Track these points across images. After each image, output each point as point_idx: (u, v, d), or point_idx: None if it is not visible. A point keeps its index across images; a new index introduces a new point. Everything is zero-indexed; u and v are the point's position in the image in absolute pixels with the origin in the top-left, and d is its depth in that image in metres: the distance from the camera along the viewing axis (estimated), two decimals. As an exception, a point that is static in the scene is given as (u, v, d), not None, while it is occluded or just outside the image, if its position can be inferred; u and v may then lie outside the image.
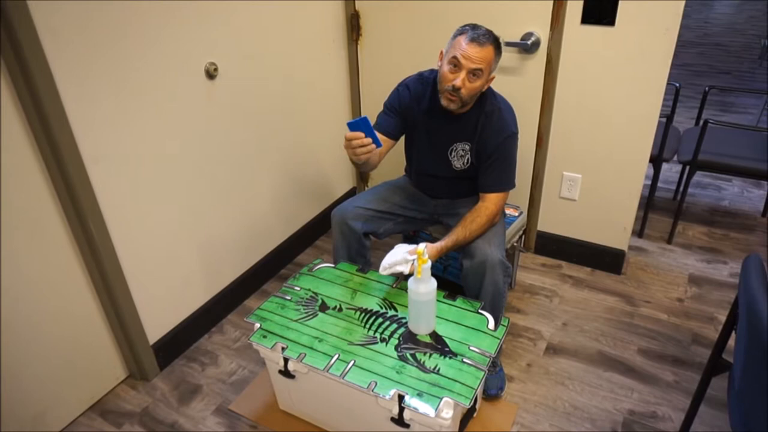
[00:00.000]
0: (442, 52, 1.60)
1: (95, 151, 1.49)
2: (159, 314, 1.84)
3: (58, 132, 1.38)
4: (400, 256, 1.52)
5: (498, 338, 1.44)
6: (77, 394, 1.71)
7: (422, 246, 1.44)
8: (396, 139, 1.80)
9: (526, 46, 2.00)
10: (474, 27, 1.55)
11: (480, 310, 1.54)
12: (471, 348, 1.41)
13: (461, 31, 1.56)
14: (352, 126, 1.47)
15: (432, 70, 1.73)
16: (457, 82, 1.53)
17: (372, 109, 2.56)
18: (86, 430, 1.67)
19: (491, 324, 1.49)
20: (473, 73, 1.53)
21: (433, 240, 1.69)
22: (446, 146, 1.74)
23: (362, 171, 2.66)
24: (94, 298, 1.67)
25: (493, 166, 1.68)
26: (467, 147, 1.71)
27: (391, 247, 1.58)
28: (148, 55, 1.57)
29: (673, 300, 2.15)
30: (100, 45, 1.44)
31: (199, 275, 1.98)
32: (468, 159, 1.73)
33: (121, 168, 1.59)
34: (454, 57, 1.53)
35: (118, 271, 1.64)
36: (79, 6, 1.36)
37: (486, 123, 1.66)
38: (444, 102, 1.60)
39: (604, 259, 2.30)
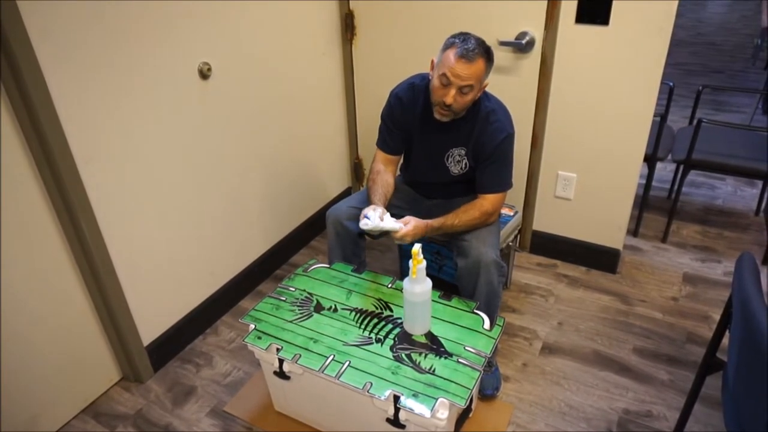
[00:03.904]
0: (432, 62, 1.59)
1: (87, 151, 1.48)
2: (153, 315, 1.83)
3: (49, 132, 1.37)
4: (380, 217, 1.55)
5: (493, 338, 1.44)
6: (70, 397, 1.70)
7: (418, 246, 1.44)
8: (402, 153, 1.84)
9: (521, 46, 2.00)
10: (464, 40, 1.50)
11: (475, 310, 1.53)
12: (466, 348, 1.41)
13: (451, 44, 1.52)
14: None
15: (423, 77, 1.71)
16: (448, 100, 1.53)
17: (366, 109, 2.57)
18: (80, 433, 1.66)
19: (486, 324, 1.48)
20: (463, 89, 1.52)
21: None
22: (442, 152, 1.73)
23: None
24: (87, 299, 1.65)
25: (491, 167, 1.68)
26: (463, 152, 1.71)
27: (388, 248, 1.58)
28: (141, 55, 1.56)
29: (667, 299, 2.15)
30: (92, 45, 1.43)
31: (193, 276, 1.97)
32: (465, 163, 1.73)
33: (114, 168, 1.57)
34: (444, 74, 1.51)
35: (111, 272, 1.63)
36: (71, 6, 1.35)
37: (482, 126, 1.65)
38: (437, 115, 1.61)
39: (599, 259, 2.30)
